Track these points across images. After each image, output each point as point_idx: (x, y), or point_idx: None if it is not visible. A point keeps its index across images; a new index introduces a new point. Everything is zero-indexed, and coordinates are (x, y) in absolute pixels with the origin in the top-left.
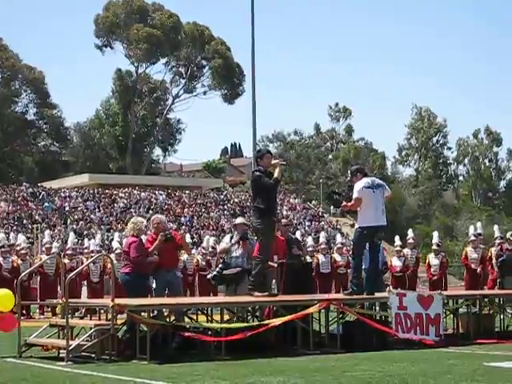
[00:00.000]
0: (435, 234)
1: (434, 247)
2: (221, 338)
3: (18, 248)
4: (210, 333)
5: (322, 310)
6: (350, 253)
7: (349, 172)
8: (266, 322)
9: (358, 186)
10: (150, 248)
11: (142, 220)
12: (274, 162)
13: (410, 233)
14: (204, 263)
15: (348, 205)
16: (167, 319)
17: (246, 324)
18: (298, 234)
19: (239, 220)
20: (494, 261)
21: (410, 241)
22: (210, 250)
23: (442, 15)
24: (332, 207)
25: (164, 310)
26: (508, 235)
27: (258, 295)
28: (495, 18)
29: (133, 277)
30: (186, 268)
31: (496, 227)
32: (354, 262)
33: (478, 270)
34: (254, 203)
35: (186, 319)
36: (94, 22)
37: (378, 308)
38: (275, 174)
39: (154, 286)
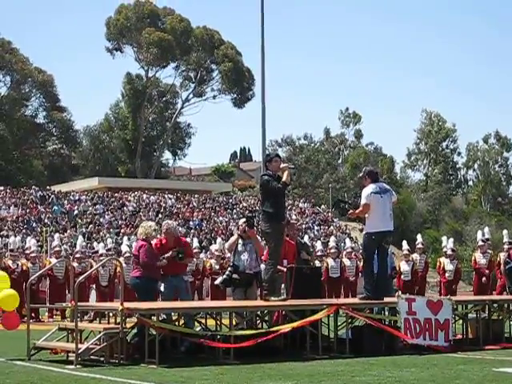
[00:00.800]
0: (450, 240)
1: (450, 252)
2: (231, 345)
3: (27, 251)
4: (218, 337)
5: (331, 315)
6: (361, 258)
7: (362, 172)
8: (276, 328)
9: (366, 191)
10: (157, 251)
11: (152, 224)
12: (282, 165)
13: (419, 238)
14: (217, 267)
15: (356, 212)
16: (176, 323)
17: (255, 331)
18: (305, 238)
19: (243, 221)
20: (502, 267)
21: (419, 246)
22: (217, 253)
23: (453, 20)
24: (339, 215)
25: (172, 314)
26: None
27: (274, 300)
28: (507, 22)
29: (143, 280)
30: (194, 272)
31: (505, 232)
32: (365, 266)
33: (483, 277)
34: (262, 207)
35: (195, 324)
36: (105, 25)
37: (387, 313)
38: (283, 178)
39: (162, 290)
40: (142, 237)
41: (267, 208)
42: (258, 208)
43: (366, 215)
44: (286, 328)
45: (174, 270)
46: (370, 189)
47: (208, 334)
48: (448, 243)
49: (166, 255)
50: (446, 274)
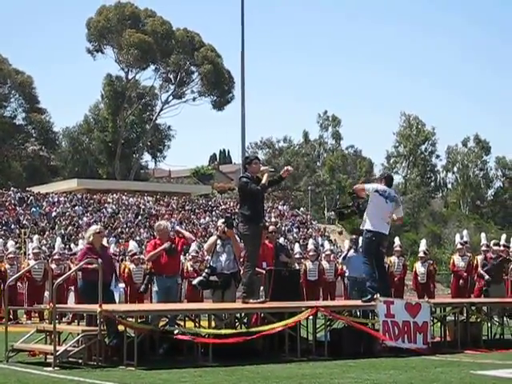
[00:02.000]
0: (422, 242)
1: (421, 255)
2: (217, 341)
3: (6, 253)
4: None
5: (310, 317)
6: (364, 260)
7: (380, 175)
8: (256, 329)
9: (375, 186)
10: (149, 252)
11: (95, 227)
12: (262, 168)
13: (397, 241)
14: (192, 269)
15: (359, 185)
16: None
17: (236, 331)
18: (281, 240)
19: (222, 221)
20: (479, 269)
21: (397, 248)
22: (194, 254)
23: (433, 22)
24: (340, 219)
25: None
26: (491, 244)
27: (253, 302)
28: (488, 25)
29: (82, 283)
30: None
31: (483, 235)
32: (367, 267)
33: (462, 279)
34: (240, 209)
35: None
36: (86, 26)
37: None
38: (263, 181)
39: (154, 290)
40: (86, 241)
41: (245, 210)
42: (237, 210)
43: (365, 214)
44: (267, 331)
45: (169, 271)
46: (379, 187)
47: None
48: (421, 245)
49: (158, 249)
50: (419, 278)
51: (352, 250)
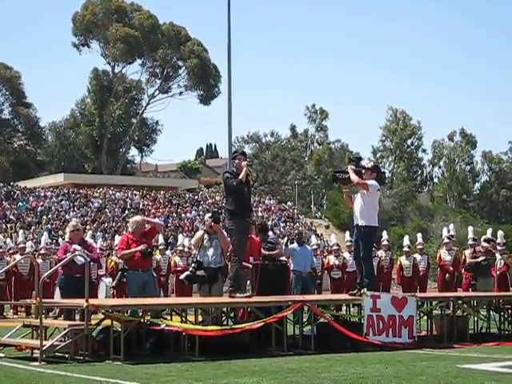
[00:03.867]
0: (406, 237)
1: (406, 249)
2: (202, 333)
3: None
4: (184, 334)
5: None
6: (362, 254)
7: (370, 163)
8: (243, 325)
9: (375, 184)
10: (122, 249)
11: (73, 223)
12: (242, 163)
13: (385, 235)
14: (182, 264)
15: (357, 179)
16: (141, 320)
17: (222, 327)
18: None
19: (209, 215)
20: (468, 261)
21: (385, 242)
22: (186, 250)
23: (419, 16)
24: (333, 182)
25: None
26: (482, 239)
27: (240, 297)
28: (473, 18)
29: (62, 278)
30: (161, 268)
31: (470, 229)
32: (367, 263)
33: (448, 274)
34: (225, 204)
35: (161, 319)
36: (71, 20)
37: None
38: (240, 175)
39: (129, 286)
40: (67, 236)
41: (229, 205)
42: (223, 205)
43: (362, 210)
44: (253, 325)
45: (143, 265)
46: (377, 184)
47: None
48: (404, 240)
49: (131, 250)
50: (404, 272)
51: (295, 243)
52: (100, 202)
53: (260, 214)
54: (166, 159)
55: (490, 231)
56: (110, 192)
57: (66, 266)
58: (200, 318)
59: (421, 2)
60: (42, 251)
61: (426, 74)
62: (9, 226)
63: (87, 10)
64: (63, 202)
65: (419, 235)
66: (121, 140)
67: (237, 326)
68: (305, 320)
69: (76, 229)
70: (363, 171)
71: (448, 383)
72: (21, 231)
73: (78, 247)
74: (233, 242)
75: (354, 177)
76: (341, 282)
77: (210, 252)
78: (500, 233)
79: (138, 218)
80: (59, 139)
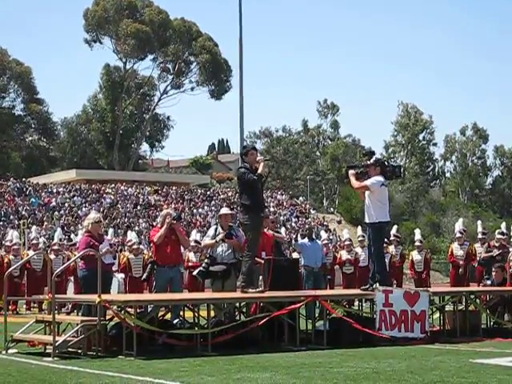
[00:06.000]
0: (417, 231)
1: (417, 244)
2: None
3: (8, 244)
4: (196, 329)
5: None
6: (373, 249)
7: (373, 158)
8: (250, 318)
9: (378, 180)
10: (154, 236)
11: (93, 216)
12: (258, 158)
13: (393, 230)
14: (195, 259)
15: (358, 183)
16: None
17: (232, 324)
18: (282, 230)
19: (224, 210)
20: (482, 255)
21: (392, 238)
22: (193, 244)
23: (430, 13)
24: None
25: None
26: (496, 233)
27: (252, 292)
28: (484, 14)
29: (84, 272)
30: None
31: (479, 223)
32: (379, 258)
33: (460, 268)
34: (240, 200)
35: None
36: (83, 17)
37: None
38: (259, 170)
39: (155, 281)
40: (85, 229)
41: (245, 200)
42: (236, 200)
43: (373, 206)
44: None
45: (172, 260)
46: (381, 179)
47: (184, 325)
48: (416, 235)
49: (164, 226)
50: (416, 266)
51: (306, 239)
52: (112, 197)
53: (272, 209)
54: (177, 155)
55: (504, 225)
56: (122, 188)
57: (91, 261)
58: (212, 314)
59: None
60: (55, 247)
61: (437, 69)
62: (21, 222)
63: (98, 5)
64: (75, 198)
65: (417, 231)
66: (133, 136)
67: (247, 320)
68: (317, 315)
69: (96, 221)
70: (368, 169)
71: (461, 378)
72: (34, 227)
73: (107, 247)
74: (247, 237)
75: (354, 182)
76: (353, 277)
77: (223, 247)
78: None
79: (167, 210)
80: (71, 135)
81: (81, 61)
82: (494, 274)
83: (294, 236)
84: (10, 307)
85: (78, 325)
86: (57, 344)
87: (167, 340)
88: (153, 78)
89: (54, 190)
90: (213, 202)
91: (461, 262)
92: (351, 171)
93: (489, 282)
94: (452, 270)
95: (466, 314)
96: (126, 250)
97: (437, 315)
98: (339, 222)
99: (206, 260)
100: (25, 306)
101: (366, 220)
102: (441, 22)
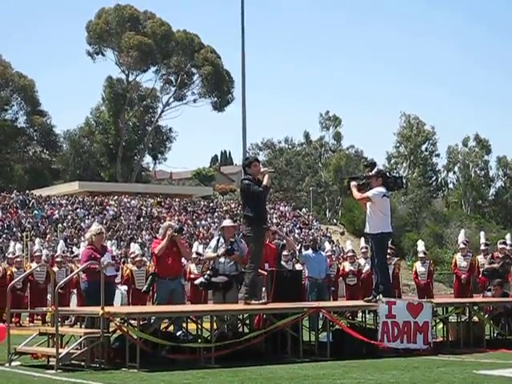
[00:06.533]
0: (421, 243)
1: (421, 255)
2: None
3: (10, 256)
4: (199, 341)
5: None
6: (376, 261)
7: (374, 169)
8: (253, 334)
9: (380, 191)
10: (156, 248)
11: (95, 228)
12: (263, 169)
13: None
14: (196, 271)
15: (359, 194)
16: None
17: (235, 340)
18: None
19: (226, 222)
20: (485, 266)
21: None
22: (195, 256)
23: (432, 22)
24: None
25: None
26: (498, 243)
27: (255, 303)
28: (486, 24)
29: (86, 284)
30: None
31: (482, 234)
32: (382, 269)
33: (464, 279)
34: (243, 211)
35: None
36: (85, 29)
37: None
38: (264, 182)
39: (156, 293)
40: (87, 241)
41: (248, 212)
42: (239, 212)
43: (375, 217)
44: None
45: (173, 272)
46: (383, 190)
47: (188, 337)
48: (419, 246)
49: (166, 238)
50: (419, 277)
51: (310, 250)
52: (115, 209)
53: (275, 220)
54: (180, 167)
55: (508, 236)
56: (125, 200)
57: (93, 273)
58: (215, 326)
59: (435, 7)
60: (58, 259)
61: (438, 80)
62: (24, 234)
63: (100, 18)
64: (78, 210)
65: (420, 242)
66: (135, 148)
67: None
68: (320, 326)
69: (99, 232)
70: (369, 180)
71: None
72: (37, 239)
73: (108, 260)
74: (250, 249)
75: (355, 193)
76: (356, 289)
77: (226, 259)
78: None
79: (168, 222)
80: (74, 147)
81: (83, 73)
82: (493, 291)
83: (298, 247)
84: (13, 320)
85: (81, 337)
86: (60, 356)
87: (170, 356)
88: (155, 90)
89: (57, 202)
90: (216, 214)
91: (464, 274)
92: (353, 182)
93: (489, 294)
94: (455, 280)
95: (470, 325)
96: (128, 262)
97: (440, 326)
98: (342, 234)
99: (208, 271)
100: (28, 319)
101: (368, 230)
102: (443, 33)
